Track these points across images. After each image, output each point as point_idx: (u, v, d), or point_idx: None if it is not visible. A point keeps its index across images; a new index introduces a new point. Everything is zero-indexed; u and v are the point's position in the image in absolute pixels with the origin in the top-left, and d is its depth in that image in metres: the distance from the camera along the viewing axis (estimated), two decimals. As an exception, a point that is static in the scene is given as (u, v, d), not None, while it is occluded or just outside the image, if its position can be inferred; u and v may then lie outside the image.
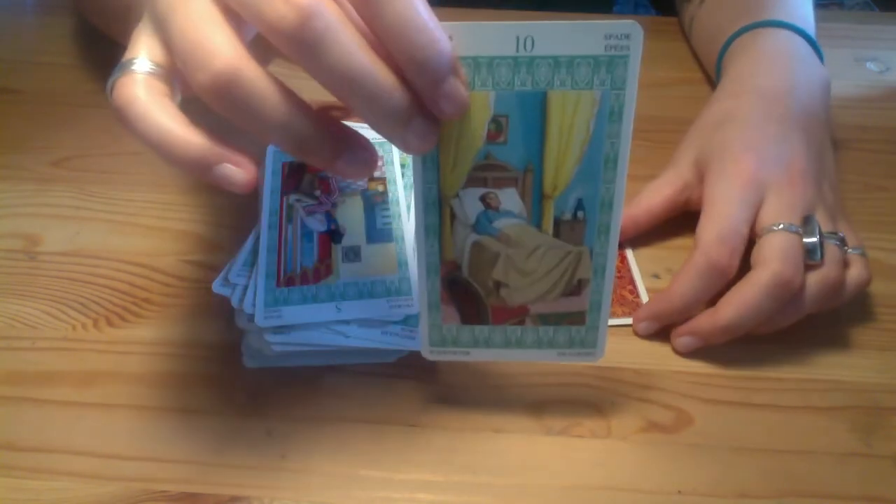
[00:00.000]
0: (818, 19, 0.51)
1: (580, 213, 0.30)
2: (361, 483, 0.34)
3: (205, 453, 0.35)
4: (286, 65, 0.29)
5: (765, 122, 0.42)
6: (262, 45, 0.27)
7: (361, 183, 0.42)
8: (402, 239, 0.39)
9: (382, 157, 0.43)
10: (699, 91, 0.57)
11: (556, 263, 0.31)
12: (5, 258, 0.44)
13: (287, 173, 0.42)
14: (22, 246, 0.44)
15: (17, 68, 0.58)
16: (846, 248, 0.39)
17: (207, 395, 0.37)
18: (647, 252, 0.44)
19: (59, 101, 0.55)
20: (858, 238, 0.40)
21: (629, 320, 0.40)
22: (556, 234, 0.30)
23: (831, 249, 0.38)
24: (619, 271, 0.43)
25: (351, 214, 0.40)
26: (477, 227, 0.30)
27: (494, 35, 0.26)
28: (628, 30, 0.25)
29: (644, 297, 0.42)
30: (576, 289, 0.32)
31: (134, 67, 0.29)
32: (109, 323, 0.40)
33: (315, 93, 0.29)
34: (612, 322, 0.40)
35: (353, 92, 0.24)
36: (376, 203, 0.41)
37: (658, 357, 0.39)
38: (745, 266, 0.38)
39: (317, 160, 0.27)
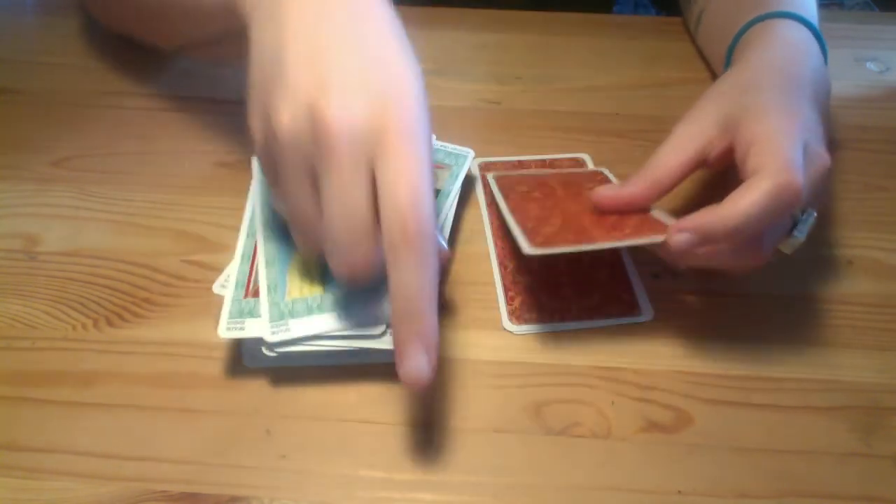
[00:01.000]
0: (818, 19, 0.52)
1: None
2: (361, 483, 0.34)
3: (205, 453, 0.35)
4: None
5: (787, 93, 0.41)
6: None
7: None
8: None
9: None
10: (699, 91, 0.57)
11: None
12: (5, 258, 0.44)
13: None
14: (22, 246, 0.44)
15: (17, 68, 0.58)
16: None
17: (207, 395, 0.37)
18: (649, 252, 0.44)
19: (59, 101, 0.55)
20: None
21: (627, 319, 0.40)
22: None
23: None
24: (613, 271, 0.43)
25: None
26: None
27: None
28: None
29: (640, 296, 0.42)
30: None
31: None
32: (109, 323, 0.40)
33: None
34: (610, 322, 0.40)
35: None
36: None
37: (658, 357, 0.39)
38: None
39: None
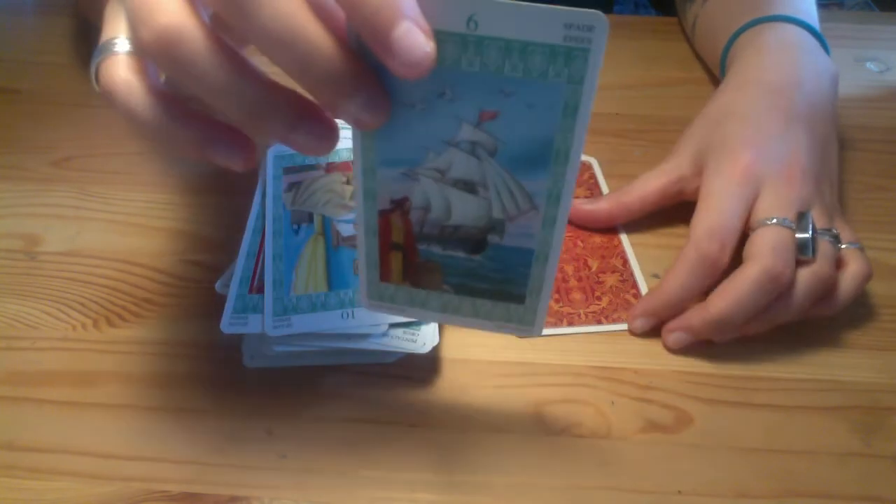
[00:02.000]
0: (818, 19, 0.51)
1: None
2: (361, 483, 0.34)
3: (205, 453, 0.35)
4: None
5: (767, 117, 0.42)
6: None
7: None
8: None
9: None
10: (700, 91, 0.57)
11: None
12: (5, 258, 0.44)
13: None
14: (22, 246, 0.44)
15: (17, 68, 0.58)
16: (840, 244, 0.39)
17: (207, 395, 0.37)
18: (648, 252, 0.44)
19: (59, 101, 0.55)
20: (855, 235, 0.40)
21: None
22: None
23: (824, 246, 0.38)
24: (621, 275, 0.43)
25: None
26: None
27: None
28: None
29: (641, 279, 0.42)
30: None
31: (115, 48, 0.28)
32: (109, 323, 0.40)
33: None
34: (614, 327, 0.40)
35: (288, 53, 0.22)
36: None
37: (658, 357, 0.39)
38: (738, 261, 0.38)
39: (270, 131, 0.25)
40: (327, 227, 0.40)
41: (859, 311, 0.41)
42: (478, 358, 0.39)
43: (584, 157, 0.51)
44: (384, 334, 0.36)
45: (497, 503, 0.34)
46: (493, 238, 0.28)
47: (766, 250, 0.37)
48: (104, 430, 0.36)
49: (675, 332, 0.39)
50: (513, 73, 0.24)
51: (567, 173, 0.26)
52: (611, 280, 0.42)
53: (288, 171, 0.43)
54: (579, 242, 0.44)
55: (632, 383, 0.38)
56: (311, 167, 0.44)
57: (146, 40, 0.24)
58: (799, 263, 0.37)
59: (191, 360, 0.39)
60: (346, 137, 0.29)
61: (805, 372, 0.39)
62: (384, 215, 0.29)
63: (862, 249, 0.40)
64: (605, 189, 0.48)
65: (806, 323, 0.39)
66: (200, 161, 0.27)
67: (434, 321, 0.34)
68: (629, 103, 0.55)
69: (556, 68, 0.24)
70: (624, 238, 0.45)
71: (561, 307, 0.41)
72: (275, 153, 0.44)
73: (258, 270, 0.38)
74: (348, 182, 0.43)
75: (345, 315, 0.36)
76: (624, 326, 0.40)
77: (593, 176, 0.48)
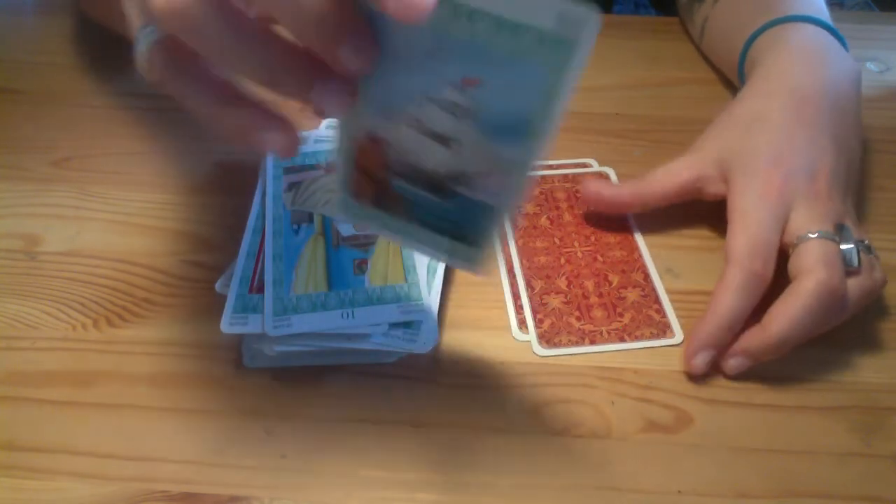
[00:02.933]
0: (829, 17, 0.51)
1: None
2: (361, 483, 0.34)
3: (205, 453, 0.35)
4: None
5: (794, 127, 0.42)
6: None
7: None
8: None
9: None
10: (700, 91, 0.57)
11: None
12: (5, 258, 0.44)
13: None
14: (22, 246, 0.44)
15: (17, 68, 0.58)
16: (871, 254, 0.39)
17: (207, 395, 0.37)
18: (662, 252, 0.44)
19: (59, 101, 0.55)
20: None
21: (660, 342, 0.39)
22: None
23: (863, 256, 0.38)
24: (643, 290, 0.42)
25: None
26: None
27: None
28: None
29: (671, 316, 0.40)
30: None
31: (151, 36, 0.28)
32: (109, 323, 0.40)
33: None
34: (641, 345, 0.39)
35: (283, 3, 0.23)
36: None
37: (658, 357, 0.39)
38: (778, 280, 0.38)
39: (289, 89, 0.25)
40: (327, 227, 0.41)
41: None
42: (478, 358, 0.39)
43: (589, 161, 0.50)
44: (384, 334, 0.36)
45: (497, 503, 0.34)
46: (459, 188, 0.29)
47: (816, 264, 0.36)
48: (104, 430, 0.36)
49: (733, 358, 0.38)
50: (500, 48, 0.24)
51: (536, 148, 0.27)
52: (632, 296, 0.41)
53: (288, 171, 0.44)
54: (599, 257, 0.43)
55: (632, 383, 0.38)
56: (311, 167, 0.44)
57: (157, 7, 0.24)
58: (847, 275, 0.37)
59: (191, 360, 0.39)
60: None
61: (805, 372, 0.39)
62: (361, 143, 0.29)
63: (878, 258, 0.40)
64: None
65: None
66: (245, 148, 0.27)
67: (394, 241, 0.35)
68: (629, 103, 0.55)
69: (542, 54, 0.24)
70: (644, 251, 0.44)
71: (583, 325, 0.40)
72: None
73: (258, 270, 0.38)
74: None
75: (345, 315, 0.36)
76: (649, 343, 0.39)
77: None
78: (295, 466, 0.35)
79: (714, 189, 0.43)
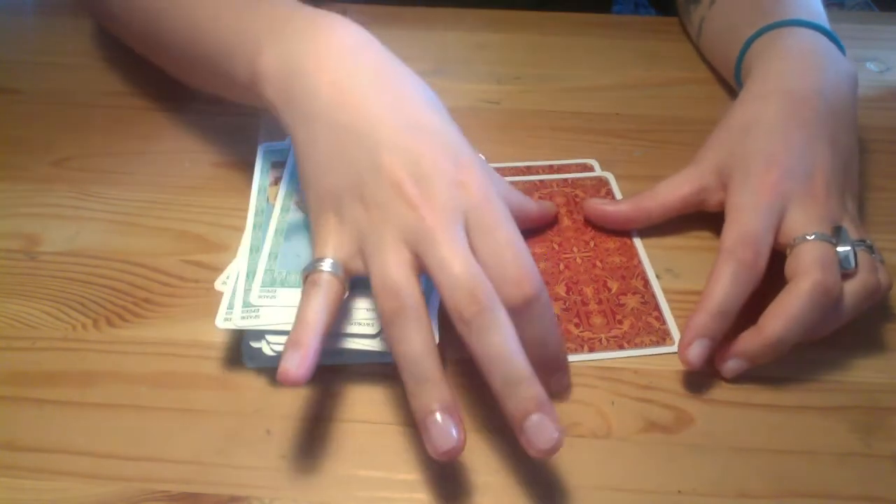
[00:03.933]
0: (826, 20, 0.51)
1: None
2: (361, 483, 0.34)
3: (205, 453, 0.35)
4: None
5: (791, 128, 0.42)
6: None
7: None
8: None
9: None
10: (700, 91, 0.57)
11: None
12: (5, 258, 0.44)
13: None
14: (22, 246, 0.44)
15: (17, 68, 0.58)
16: (874, 254, 0.39)
17: (207, 395, 0.37)
18: (661, 253, 0.44)
19: (59, 101, 0.55)
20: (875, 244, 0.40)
21: (659, 349, 0.39)
22: None
23: (863, 256, 0.38)
24: (642, 297, 0.42)
25: None
26: None
27: None
28: None
29: (671, 324, 0.40)
30: None
31: (322, 267, 0.34)
32: (109, 323, 0.40)
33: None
34: (640, 352, 0.39)
35: (497, 371, 0.32)
36: None
37: (658, 357, 0.39)
38: (776, 283, 0.38)
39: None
40: None
41: (859, 311, 0.41)
42: (478, 358, 0.39)
43: (586, 160, 0.50)
44: (378, 334, 0.36)
45: (497, 503, 0.34)
46: None
47: (813, 265, 0.36)
48: (104, 430, 0.36)
49: (730, 360, 0.37)
50: None
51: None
52: (632, 302, 0.41)
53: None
54: (598, 263, 0.43)
55: (632, 383, 0.38)
56: None
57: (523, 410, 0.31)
58: (843, 277, 0.37)
59: (191, 360, 0.39)
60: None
61: (805, 372, 0.39)
62: None
63: (883, 261, 0.40)
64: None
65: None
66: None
67: None
68: (629, 103, 0.55)
69: None
70: (643, 256, 0.44)
71: (581, 332, 0.40)
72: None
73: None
74: None
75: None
76: (648, 351, 0.39)
77: (610, 192, 0.48)
78: (295, 466, 0.35)
79: (716, 199, 0.43)
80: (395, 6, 0.58)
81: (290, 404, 0.37)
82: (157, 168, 0.49)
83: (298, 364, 0.31)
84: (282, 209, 0.41)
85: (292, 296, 0.36)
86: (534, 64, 0.60)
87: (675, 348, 0.39)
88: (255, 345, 0.37)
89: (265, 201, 0.42)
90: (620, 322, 0.40)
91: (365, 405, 0.37)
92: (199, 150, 0.50)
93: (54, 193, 0.47)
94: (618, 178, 0.49)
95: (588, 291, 0.42)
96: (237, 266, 0.38)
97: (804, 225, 0.38)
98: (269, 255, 0.38)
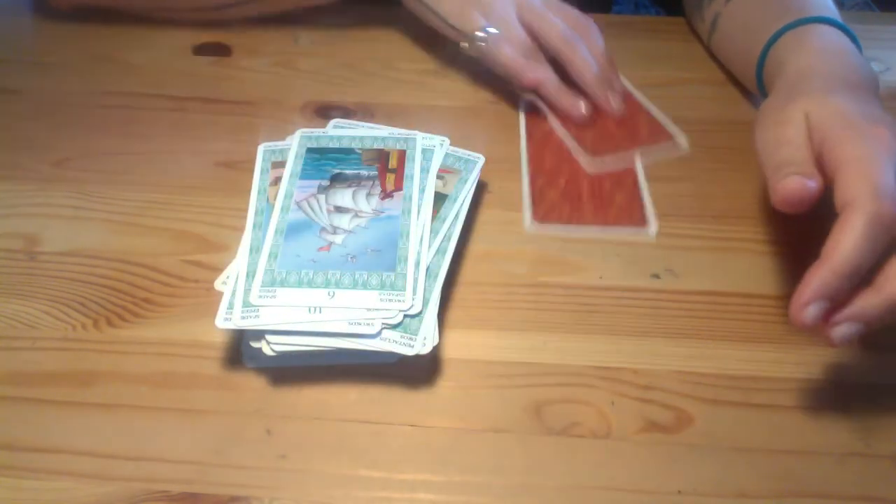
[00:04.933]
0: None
1: None
2: (361, 483, 0.34)
3: (205, 453, 0.35)
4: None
5: (864, 103, 0.39)
6: None
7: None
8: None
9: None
10: (701, 91, 0.57)
11: None
12: (5, 258, 0.44)
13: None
14: (22, 246, 0.44)
15: (17, 68, 0.58)
16: None
17: (207, 395, 0.37)
18: (661, 252, 0.44)
19: (59, 101, 0.55)
20: None
21: (635, 229, 0.45)
22: None
23: None
24: (631, 193, 0.47)
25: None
26: None
27: None
28: None
29: (650, 214, 0.46)
30: None
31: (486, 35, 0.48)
32: (109, 323, 0.40)
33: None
34: (621, 230, 0.45)
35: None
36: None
37: (658, 357, 0.39)
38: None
39: None
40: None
41: (859, 311, 0.41)
42: (478, 358, 0.39)
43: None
44: (384, 335, 0.36)
45: (497, 503, 0.34)
46: None
47: None
48: (104, 430, 0.36)
49: (844, 325, 0.33)
50: None
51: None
52: (620, 198, 0.46)
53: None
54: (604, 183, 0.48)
55: (632, 383, 0.38)
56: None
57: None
58: None
59: (191, 360, 0.39)
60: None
61: (805, 372, 0.39)
62: None
63: None
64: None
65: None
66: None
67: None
68: (629, 103, 0.55)
69: None
70: (639, 169, 0.48)
71: (571, 211, 0.46)
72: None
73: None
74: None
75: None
76: (626, 230, 0.45)
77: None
78: (295, 466, 0.35)
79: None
80: (396, 6, 0.58)
81: (290, 404, 0.37)
82: (157, 168, 0.49)
83: None
84: (282, 209, 0.41)
85: (292, 296, 0.36)
86: (534, 64, 0.59)
87: (649, 230, 0.45)
88: (255, 345, 0.37)
89: (265, 201, 0.42)
90: (609, 206, 0.46)
91: (365, 405, 0.37)
92: (199, 150, 0.50)
93: (54, 193, 0.47)
94: (653, 181, 0.49)
95: (584, 187, 0.48)
96: (237, 266, 0.38)
97: None
98: (269, 255, 0.38)
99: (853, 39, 0.47)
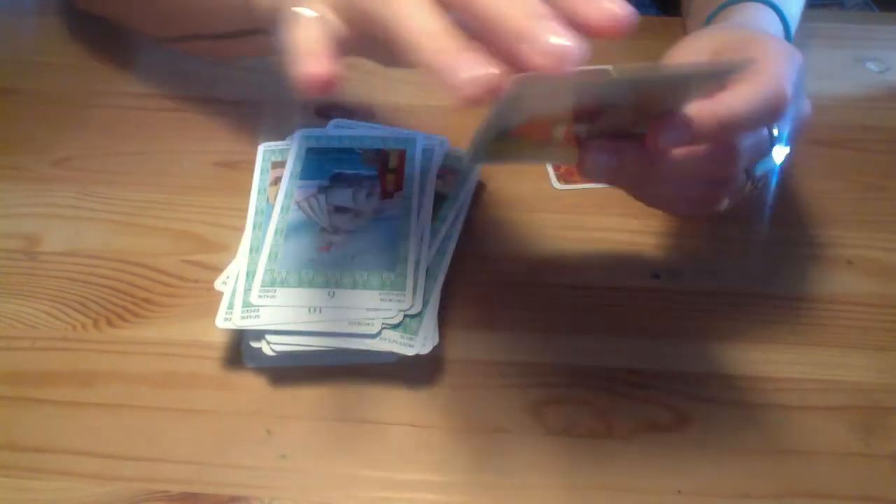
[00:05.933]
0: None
1: None
2: (361, 483, 0.34)
3: (205, 453, 0.35)
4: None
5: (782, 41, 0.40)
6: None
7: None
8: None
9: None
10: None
11: None
12: (5, 258, 0.44)
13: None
14: (22, 246, 0.44)
15: (17, 68, 0.58)
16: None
17: (207, 395, 0.37)
18: (661, 253, 0.44)
19: (59, 101, 0.54)
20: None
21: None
22: None
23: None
24: None
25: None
26: None
27: None
28: None
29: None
30: None
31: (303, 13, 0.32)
32: (109, 323, 0.40)
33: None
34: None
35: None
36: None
37: (658, 357, 0.39)
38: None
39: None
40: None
41: (859, 310, 0.41)
42: (478, 358, 0.39)
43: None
44: (384, 335, 0.36)
45: (497, 503, 0.34)
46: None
47: (783, 83, 0.34)
48: (104, 430, 0.36)
49: (671, 131, 0.32)
50: None
51: None
52: None
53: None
54: None
55: (632, 383, 0.38)
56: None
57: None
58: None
59: (191, 360, 0.39)
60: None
61: (805, 372, 0.39)
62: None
63: None
64: None
65: (806, 322, 0.39)
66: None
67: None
68: (629, 103, 0.55)
69: None
70: None
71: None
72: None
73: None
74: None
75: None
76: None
77: None
78: (295, 466, 0.35)
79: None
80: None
81: (290, 404, 0.37)
82: (157, 168, 0.49)
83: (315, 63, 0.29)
84: (282, 209, 0.41)
85: (292, 296, 0.36)
86: (534, 64, 0.59)
87: None
88: (255, 345, 0.37)
89: (265, 201, 0.42)
90: None
91: (365, 405, 0.37)
92: (199, 150, 0.50)
93: (54, 193, 0.47)
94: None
95: None
96: (237, 266, 0.38)
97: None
98: (269, 255, 0.38)
99: (784, 24, 0.47)
